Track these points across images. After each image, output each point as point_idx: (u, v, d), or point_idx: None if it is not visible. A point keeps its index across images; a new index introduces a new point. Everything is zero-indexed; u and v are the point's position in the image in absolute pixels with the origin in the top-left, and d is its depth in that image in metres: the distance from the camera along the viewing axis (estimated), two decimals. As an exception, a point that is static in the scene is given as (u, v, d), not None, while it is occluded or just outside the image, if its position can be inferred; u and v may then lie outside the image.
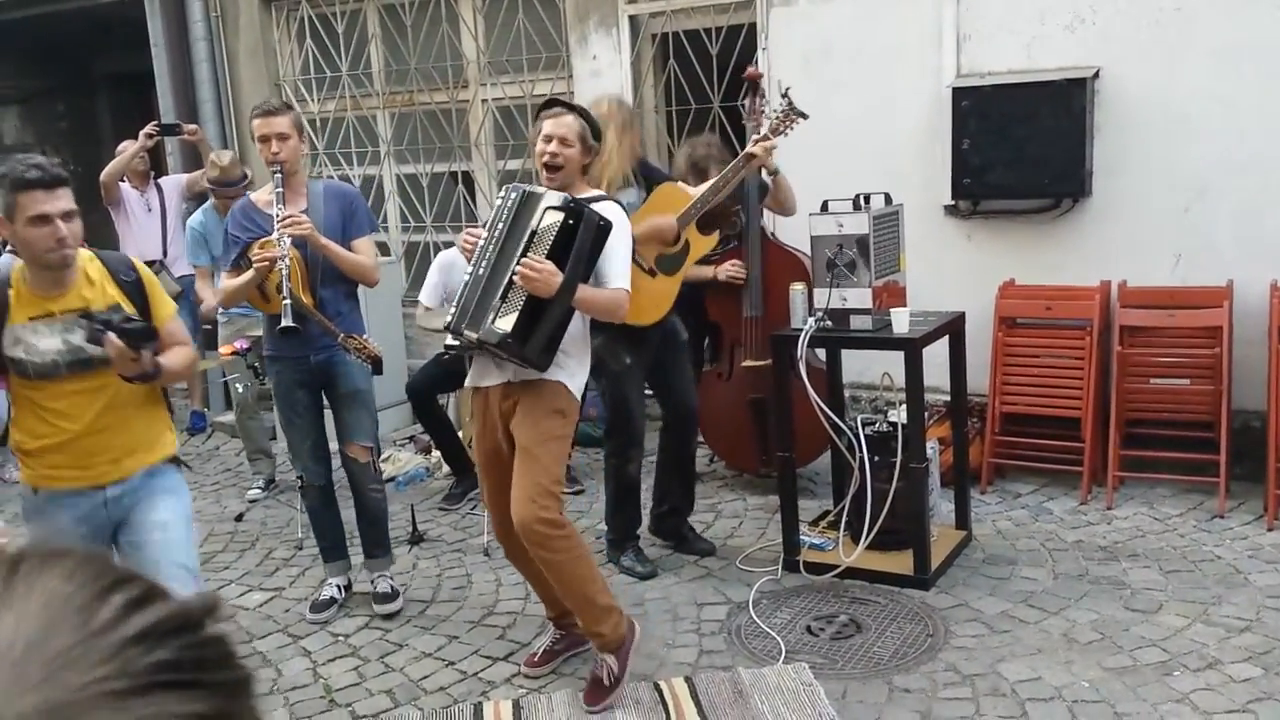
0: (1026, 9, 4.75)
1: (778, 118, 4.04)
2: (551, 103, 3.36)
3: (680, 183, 4.21)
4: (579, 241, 3.09)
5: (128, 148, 6.27)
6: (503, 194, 3.25)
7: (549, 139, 3.23)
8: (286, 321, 3.57)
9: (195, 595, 0.53)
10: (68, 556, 0.51)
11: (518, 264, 3.05)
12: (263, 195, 3.87)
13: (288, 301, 3.56)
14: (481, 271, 3.16)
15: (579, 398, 3.31)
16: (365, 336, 3.82)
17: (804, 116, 4.03)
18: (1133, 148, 4.65)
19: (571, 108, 3.33)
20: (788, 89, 4.13)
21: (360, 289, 3.96)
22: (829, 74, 5.18)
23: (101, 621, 0.47)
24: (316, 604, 4.03)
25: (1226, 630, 3.43)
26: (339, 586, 4.09)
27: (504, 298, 3.08)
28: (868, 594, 3.85)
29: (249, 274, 3.64)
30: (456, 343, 3.23)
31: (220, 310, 5.16)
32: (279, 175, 3.70)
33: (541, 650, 3.55)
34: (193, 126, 6.43)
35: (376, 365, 3.90)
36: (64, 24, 7.86)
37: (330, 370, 3.87)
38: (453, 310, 3.20)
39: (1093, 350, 4.59)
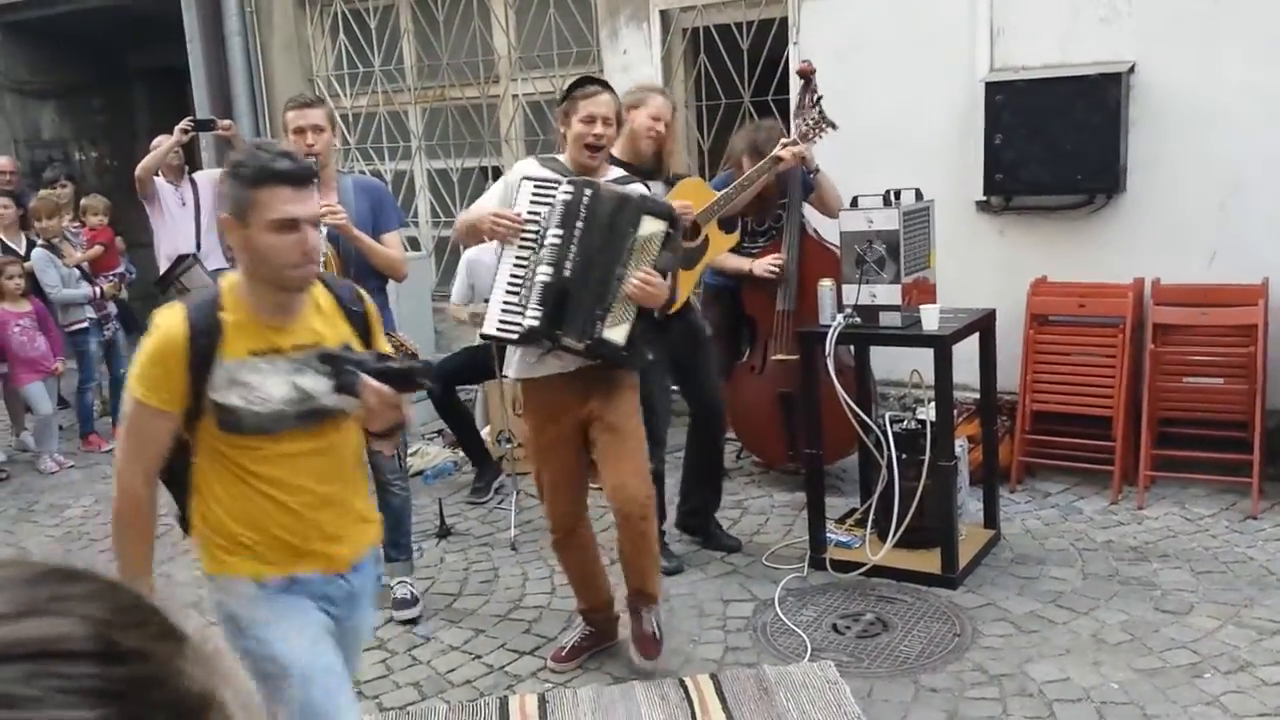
0: (1061, 2, 4.70)
1: (809, 126, 4.05)
2: (584, 81, 3.28)
3: (700, 179, 4.23)
4: (673, 247, 3.15)
5: (162, 143, 6.34)
6: (570, 190, 3.11)
7: (591, 119, 3.18)
8: None
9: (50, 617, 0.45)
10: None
11: (625, 274, 3.07)
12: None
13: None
14: (568, 274, 3.09)
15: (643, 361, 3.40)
16: (402, 334, 3.84)
17: (833, 127, 4.04)
18: (1168, 143, 4.59)
19: (605, 85, 3.30)
20: (820, 97, 4.13)
21: (388, 285, 3.99)
22: (860, 68, 5.15)
23: None
24: None
25: (1259, 633, 3.39)
26: None
27: (610, 308, 3.09)
28: (894, 592, 3.84)
29: None
30: (499, 334, 3.18)
31: None
32: (313, 165, 3.71)
33: (569, 645, 3.57)
34: (227, 122, 6.49)
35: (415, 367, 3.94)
36: (101, 19, 7.96)
37: None
38: (534, 314, 3.10)
39: (1125, 348, 4.54)
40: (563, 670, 3.51)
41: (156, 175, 6.50)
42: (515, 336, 3.16)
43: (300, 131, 3.71)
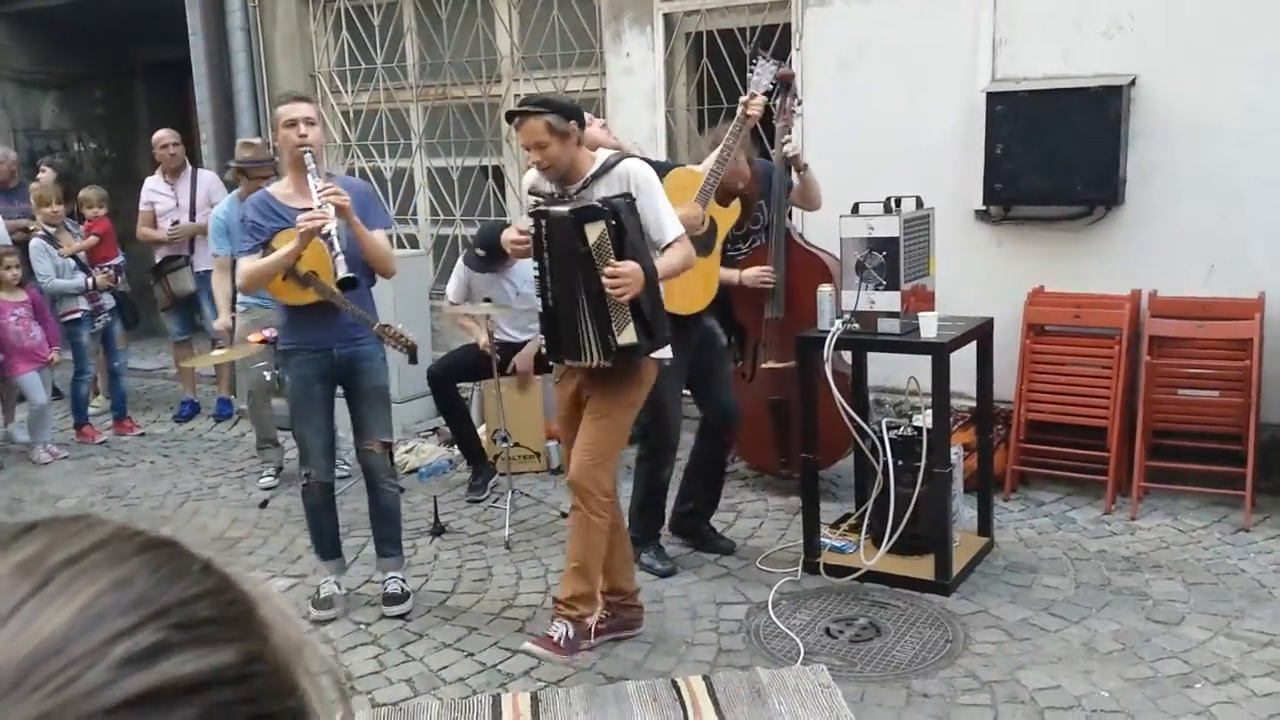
0: (1064, 15, 4.73)
1: (787, 124, 4.21)
2: (509, 115, 3.48)
3: (690, 166, 4.25)
4: (628, 230, 3.23)
5: (168, 232, 6.43)
6: (529, 226, 3.36)
7: (527, 147, 3.36)
8: (344, 273, 3.53)
9: (256, 631, 0.46)
10: (115, 568, 0.44)
11: (599, 283, 3.19)
12: (281, 188, 3.83)
13: (340, 256, 3.53)
14: (552, 303, 3.34)
15: (660, 364, 3.48)
16: (399, 325, 3.84)
17: (798, 101, 4.33)
18: (1167, 156, 4.61)
19: (526, 112, 3.35)
20: (799, 101, 4.32)
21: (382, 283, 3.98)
22: (863, 76, 5.17)
23: (86, 686, 0.40)
24: (318, 601, 3.98)
25: (1249, 644, 3.40)
26: (337, 584, 4.05)
27: (611, 317, 3.23)
28: (888, 598, 3.85)
29: (291, 244, 3.60)
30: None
31: (240, 301, 5.21)
32: (309, 155, 3.67)
33: (589, 625, 3.61)
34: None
35: (412, 354, 3.95)
36: (104, 11, 7.95)
37: (354, 365, 3.84)
38: (542, 343, 3.42)
39: (1121, 359, 4.56)
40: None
41: (155, 175, 6.58)
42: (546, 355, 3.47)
43: (292, 124, 3.67)
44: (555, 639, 3.49)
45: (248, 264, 3.74)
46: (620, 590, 3.64)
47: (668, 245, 3.35)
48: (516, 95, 6.42)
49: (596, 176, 3.37)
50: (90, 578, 0.43)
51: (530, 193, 3.49)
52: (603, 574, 3.63)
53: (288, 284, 3.73)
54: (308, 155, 3.67)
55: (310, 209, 3.61)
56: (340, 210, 3.60)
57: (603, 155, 3.43)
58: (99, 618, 0.42)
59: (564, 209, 3.28)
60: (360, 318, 3.79)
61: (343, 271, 3.53)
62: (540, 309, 3.42)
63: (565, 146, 3.31)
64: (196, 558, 0.48)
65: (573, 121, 3.33)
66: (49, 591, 0.43)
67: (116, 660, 0.41)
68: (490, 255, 4.91)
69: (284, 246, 3.63)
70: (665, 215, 3.37)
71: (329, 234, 3.55)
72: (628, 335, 3.24)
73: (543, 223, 3.31)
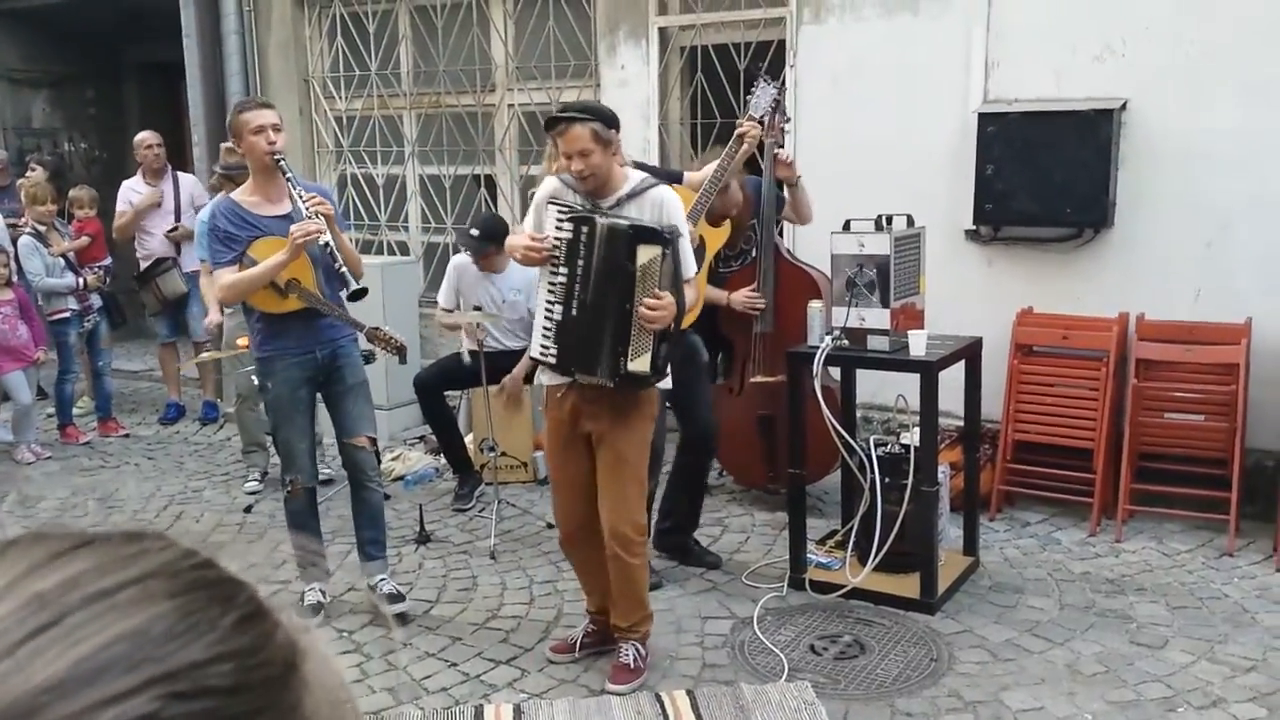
0: (1057, 38, 4.76)
1: (776, 139, 4.26)
2: (552, 121, 3.31)
3: (685, 175, 4.27)
4: (675, 262, 3.17)
5: (134, 203, 6.40)
6: (570, 228, 3.20)
7: (569, 157, 3.23)
8: (356, 285, 3.62)
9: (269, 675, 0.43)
10: (139, 612, 0.42)
11: (634, 306, 3.11)
12: (246, 195, 3.76)
13: (344, 269, 3.59)
14: (575, 313, 3.21)
15: (660, 395, 3.44)
16: (386, 327, 3.85)
17: (787, 118, 4.29)
18: (1157, 180, 4.64)
19: (572, 118, 3.26)
20: (788, 119, 4.32)
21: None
22: (856, 94, 5.20)
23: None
24: (302, 609, 3.95)
25: (1232, 669, 3.41)
26: (321, 591, 4.03)
27: (630, 340, 3.14)
28: (873, 615, 3.85)
29: (281, 254, 3.56)
30: (539, 359, 3.31)
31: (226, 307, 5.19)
32: (283, 163, 3.64)
33: (572, 637, 3.62)
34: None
35: (402, 355, 3.96)
36: (97, 10, 7.94)
37: (336, 363, 3.84)
38: (550, 348, 3.26)
39: (1108, 382, 4.58)
40: (558, 660, 3.57)
41: (134, 175, 6.56)
42: (550, 364, 3.31)
43: (260, 130, 3.61)
44: (630, 664, 3.44)
45: (229, 276, 3.68)
46: (603, 609, 3.60)
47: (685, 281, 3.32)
48: (510, 105, 6.43)
49: (630, 196, 3.28)
50: (106, 621, 0.40)
51: (550, 202, 3.30)
52: (586, 591, 3.64)
53: (269, 293, 3.70)
54: (284, 162, 3.65)
55: (282, 216, 3.63)
56: (327, 220, 3.60)
57: (634, 176, 3.37)
58: (98, 673, 0.39)
59: (623, 223, 3.17)
60: (349, 322, 3.80)
61: (353, 284, 3.60)
62: (555, 316, 3.25)
63: (606, 155, 3.23)
64: (240, 606, 0.44)
65: (614, 130, 3.27)
66: (56, 632, 0.40)
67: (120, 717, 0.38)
68: (483, 237, 4.92)
69: (270, 258, 3.59)
70: (689, 251, 3.34)
71: (328, 245, 3.57)
72: (641, 363, 3.16)
73: (584, 229, 3.18)
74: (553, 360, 3.29)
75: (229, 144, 5.65)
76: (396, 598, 3.99)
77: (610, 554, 3.36)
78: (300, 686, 0.44)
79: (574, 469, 3.40)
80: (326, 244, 3.56)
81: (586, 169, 3.21)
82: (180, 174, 6.74)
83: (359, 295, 3.64)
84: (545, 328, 3.29)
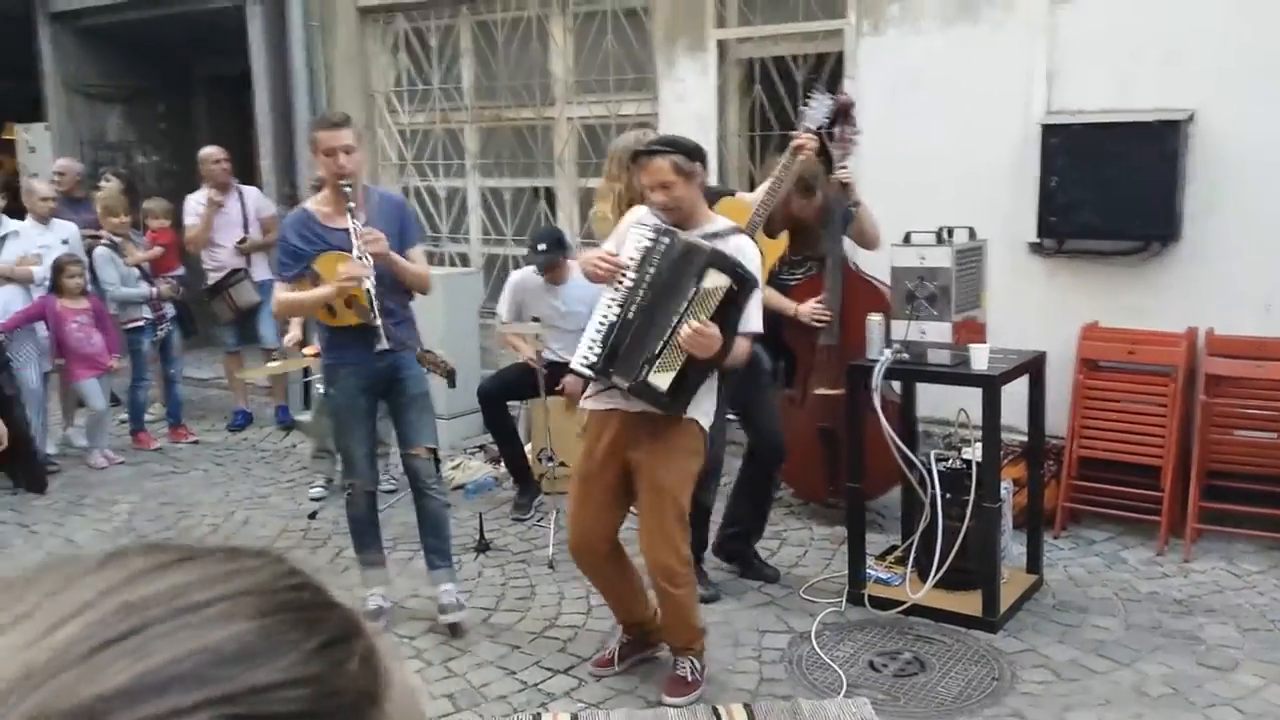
0: (1121, 48, 4.69)
1: (845, 152, 4.18)
2: (636, 154, 3.40)
3: (738, 197, 4.25)
4: (739, 306, 3.16)
5: (204, 214, 6.56)
6: (652, 236, 3.23)
7: (651, 188, 3.28)
8: (383, 345, 3.68)
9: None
10: (202, 634, 0.42)
11: (680, 323, 3.09)
12: (321, 205, 3.85)
13: (379, 322, 3.65)
14: (631, 316, 3.22)
15: (708, 431, 3.39)
16: (439, 350, 3.87)
17: (857, 130, 4.25)
18: (1226, 192, 4.55)
19: (653, 151, 3.32)
20: (858, 131, 4.26)
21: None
22: (916, 105, 5.17)
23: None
24: (364, 615, 4.01)
25: (1306, 694, 3.33)
26: (383, 596, 4.08)
27: (660, 353, 3.14)
28: (933, 633, 3.81)
29: (327, 289, 3.68)
30: (578, 368, 3.31)
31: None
32: (349, 190, 3.69)
33: (612, 650, 3.64)
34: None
35: (451, 378, 3.97)
36: (169, 26, 8.16)
37: (396, 374, 3.89)
38: (595, 348, 3.25)
39: (1176, 398, 4.49)
40: (603, 675, 3.58)
41: (200, 190, 6.73)
42: (584, 370, 3.29)
43: (331, 153, 3.67)
44: (686, 678, 3.46)
45: (283, 294, 3.86)
46: (638, 622, 3.62)
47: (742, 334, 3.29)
48: (569, 119, 6.50)
49: (711, 236, 3.28)
50: (183, 637, 0.41)
51: (639, 223, 3.33)
52: (610, 605, 3.65)
53: (335, 307, 3.80)
54: (347, 189, 3.70)
55: (370, 231, 3.68)
56: (378, 256, 3.66)
57: (719, 221, 3.39)
58: (160, 688, 0.39)
59: (705, 244, 3.17)
60: (401, 345, 3.82)
61: (382, 345, 3.67)
62: (610, 318, 3.25)
63: (689, 188, 3.27)
64: (326, 630, 0.44)
65: (697, 163, 3.30)
66: (133, 643, 0.40)
67: None
68: (549, 249, 4.99)
69: (316, 291, 3.73)
70: (758, 308, 3.30)
71: (369, 291, 3.63)
72: (661, 379, 3.15)
73: (665, 241, 3.20)
74: (594, 358, 3.24)
75: None
76: (453, 607, 3.99)
77: (655, 586, 3.40)
78: (380, 715, 0.43)
79: (591, 491, 3.40)
80: (368, 290, 3.63)
81: (669, 201, 3.26)
82: (245, 187, 6.90)
83: (385, 355, 3.74)
84: (596, 330, 3.28)
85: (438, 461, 4.10)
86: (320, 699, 0.42)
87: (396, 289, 3.83)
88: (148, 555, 0.45)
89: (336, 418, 4.04)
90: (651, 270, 3.20)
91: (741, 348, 3.28)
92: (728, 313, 3.13)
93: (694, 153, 3.32)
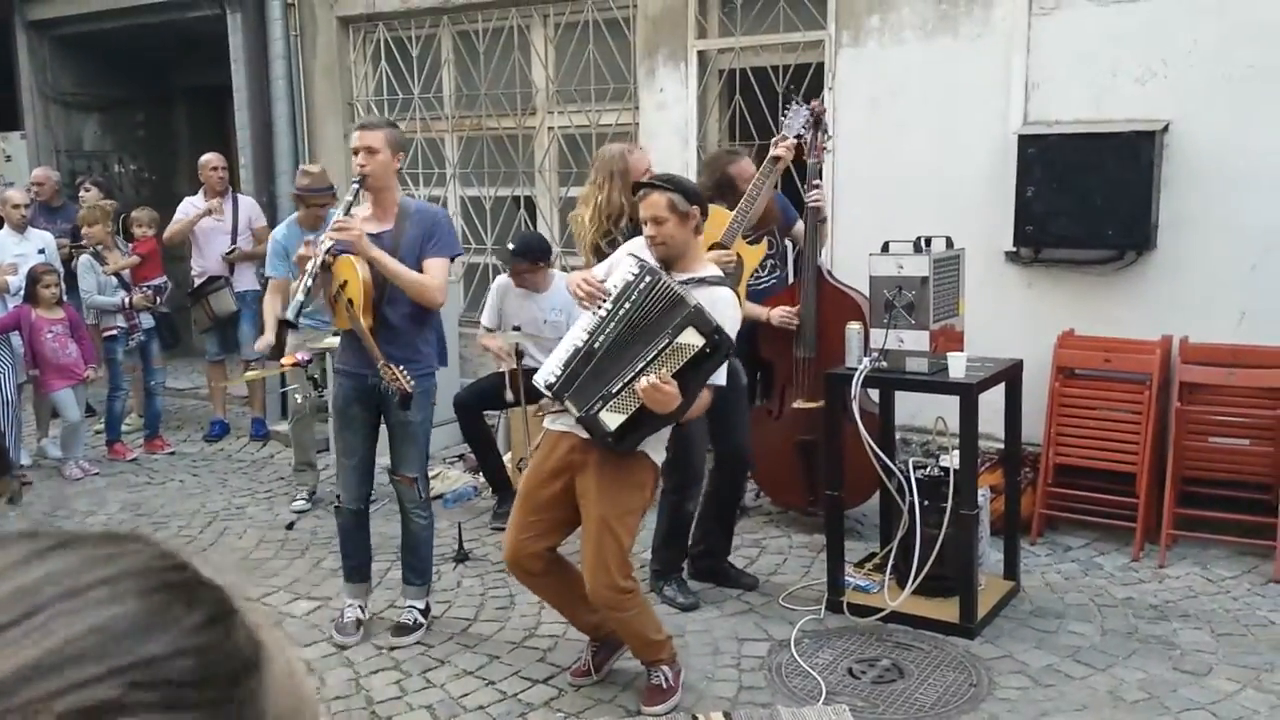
0: (1097, 60, 4.75)
1: (818, 159, 4.24)
2: (636, 188, 3.46)
3: (718, 205, 4.27)
4: (708, 368, 3.15)
5: (189, 213, 6.55)
6: (637, 271, 3.20)
7: (645, 221, 3.32)
8: (286, 315, 3.83)
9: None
10: (90, 614, 0.45)
11: (643, 372, 3.07)
12: (363, 213, 3.84)
13: (299, 297, 3.68)
14: (597, 346, 3.21)
15: (659, 468, 3.39)
16: (402, 369, 3.69)
17: (828, 134, 4.30)
18: (1200, 202, 4.60)
19: (653, 185, 3.35)
20: (830, 136, 4.30)
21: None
22: (895, 116, 5.21)
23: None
24: (342, 626, 4.00)
25: (1278, 698, 3.36)
26: (360, 608, 4.05)
27: (616, 393, 3.13)
28: (911, 639, 3.82)
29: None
30: (540, 384, 3.30)
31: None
32: (356, 186, 3.71)
33: (585, 660, 3.63)
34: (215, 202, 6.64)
35: (404, 400, 3.76)
36: (147, 36, 8.13)
37: (386, 396, 3.82)
38: (557, 370, 3.25)
39: (1151, 405, 4.54)
40: (582, 685, 3.57)
41: (194, 194, 6.70)
42: (543, 388, 3.29)
43: (355, 152, 3.78)
44: (661, 685, 3.45)
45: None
46: (595, 625, 3.57)
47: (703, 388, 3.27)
48: (550, 128, 6.51)
49: (697, 282, 3.28)
50: (78, 617, 0.44)
51: (633, 254, 3.33)
52: (574, 616, 3.63)
53: (337, 309, 3.83)
54: (355, 185, 3.75)
55: (375, 235, 3.71)
56: (354, 246, 3.62)
57: (709, 269, 3.42)
58: (65, 662, 0.43)
59: (692, 298, 3.12)
60: (371, 353, 3.71)
61: (286, 314, 3.79)
62: (579, 344, 3.25)
63: (682, 228, 3.28)
64: (205, 606, 0.48)
65: (695, 206, 3.31)
66: (33, 622, 0.44)
67: (59, 713, 0.41)
68: (515, 252, 5.05)
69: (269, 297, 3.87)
70: (723, 372, 3.30)
71: (312, 271, 3.64)
72: (612, 419, 3.13)
73: (648, 279, 3.17)
74: (553, 379, 3.23)
75: (304, 166, 5.82)
76: (406, 628, 3.98)
77: (609, 614, 3.39)
78: (260, 684, 0.47)
79: (534, 504, 3.39)
80: (314, 274, 3.63)
81: (659, 235, 3.29)
82: (241, 196, 6.88)
83: (285, 324, 3.83)
84: (564, 352, 3.28)
85: (419, 490, 4.00)
86: (208, 666, 0.46)
87: (399, 297, 3.74)
88: (29, 541, 0.49)
89: (334, 422, 4.17)
90: (628, 305, 3.18)
91: (701, 400, 3.26)
92: (694, 373, 3.11)
93: (693, 195, 3.33)
